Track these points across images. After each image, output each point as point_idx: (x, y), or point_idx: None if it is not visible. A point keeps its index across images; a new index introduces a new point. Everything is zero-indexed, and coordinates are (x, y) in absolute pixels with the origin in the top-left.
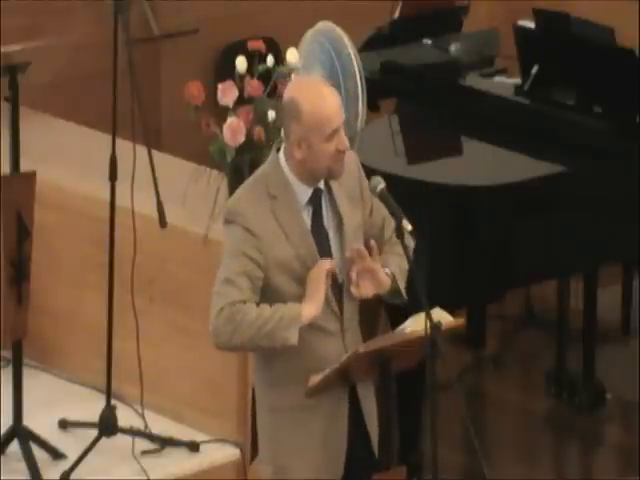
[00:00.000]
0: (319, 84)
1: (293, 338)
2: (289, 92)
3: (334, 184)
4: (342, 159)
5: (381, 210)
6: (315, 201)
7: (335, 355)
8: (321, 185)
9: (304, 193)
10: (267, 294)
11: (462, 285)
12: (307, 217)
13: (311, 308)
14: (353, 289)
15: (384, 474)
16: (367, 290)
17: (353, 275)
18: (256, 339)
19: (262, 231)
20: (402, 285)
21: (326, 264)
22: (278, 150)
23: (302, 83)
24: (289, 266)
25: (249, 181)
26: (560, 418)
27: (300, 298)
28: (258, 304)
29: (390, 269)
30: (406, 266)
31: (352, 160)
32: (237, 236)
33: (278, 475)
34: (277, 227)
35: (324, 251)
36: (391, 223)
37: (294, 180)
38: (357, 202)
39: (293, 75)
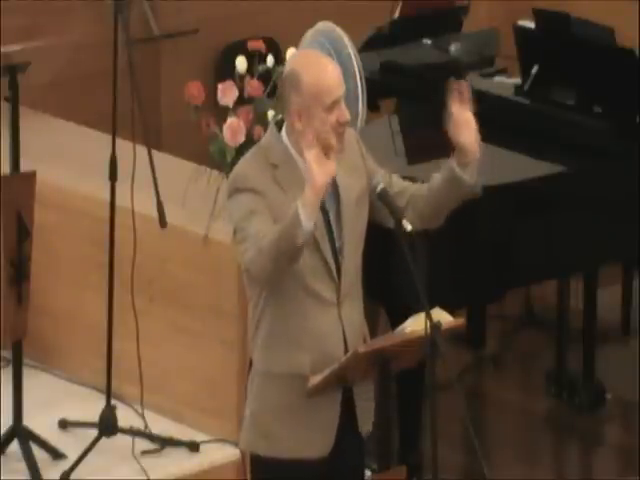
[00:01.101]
0: (319, 56)
1: (300, 239)
2: (289, 64)
3: (336, 164)
4: (343, 133)
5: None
6: None
7: (329, 325)
8: None
9: (305, 170)
10: None
11: (462, 285)
12: None
13: (305, 194)
14: (465, 134)
15: (384, 474)
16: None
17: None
18: (280, 256)
19: (265, 191)
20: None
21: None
22: (277, 126)
23: (302, 55)
24: None
25: (248, 154)
26: (560, 418)
27: (306, 259)
28: None
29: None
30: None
31: (351, 135)
32: (244, 200)
33: (263, 441)
34: (281, 192)
35: (325, 227)
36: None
37: (297, 157)
38: (360, 173)
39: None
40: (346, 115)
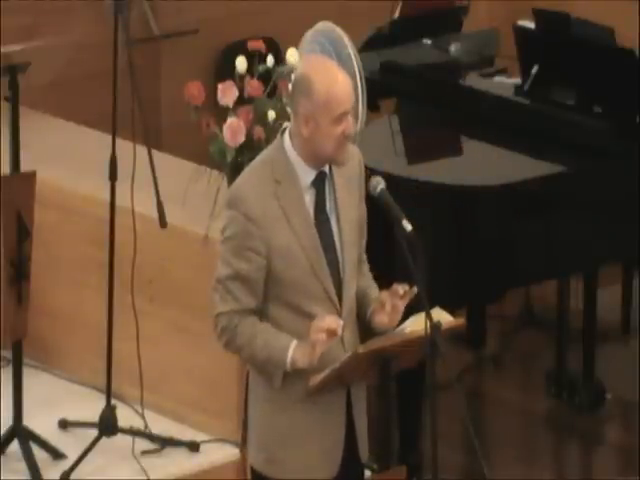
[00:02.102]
0: (332, 65)
1: (276, 382)
2: (302, 68)
3: (336, 174)
4: (347, 145)
5: (365, 230)
6: (318, 184)
7: (333, 351)
8: (325, 169)
9: (308, 175)
10: (268, 281)
11: (462, 285)
12: (310, 200)
13: (303, 359)
14: (384, 317)
15: (384, 474)
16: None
17: (388, 307)
18: (247, 361)
19: (264, 217)
20: None
21: (331, 322)
22: (282, 135)
23: (316, 61)
24: (290, 252)
25: (255, 164)
26: (560, 418)
27: (300, 286)
28: (256, 309)
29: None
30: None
31: (356, 156)
32: (238, 226)
33: (271, 464)
34: (280, 212)
35: (325, 236)
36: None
37: (298, 162)
38: (356, 198)
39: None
40: (351, 127)
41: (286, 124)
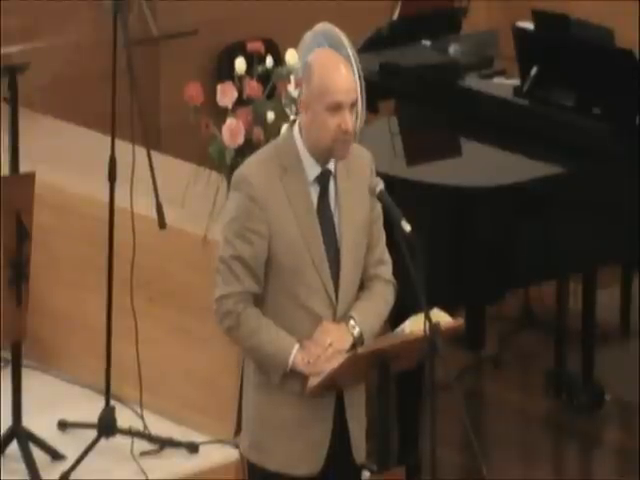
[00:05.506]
0: (338, 58)
1: (275, 379)
2: (309, 58)
3: (342, 176)
4: (346, 140)
5: (381, 233)
6: (322, 181)
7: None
8: (331, 167)
9: (313, 169)
10: (269, 265)
11: (461, 286)
12: (314, 194)
13: (304, 364)
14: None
15: (384, 474)
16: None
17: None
18: (246, 352)
19: (269, 201)
20: (374, 331)
21: (333, 331)
22: (294, 124)
23: (323, 52)
24: (292, 240)
25: (262, 150)
26: (559, 419)
27: (299, 275)
28: (257, 296)
29: (360, 328)
30: (382, 309)
31: (366, 159)
32: (241, 207)
33: (254, 450)
34: (285, 199)
35: (327, 232)
36: (384, 250)
37: (305, 154)
38: (365, 201)
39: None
40: (347, 123)
41: (293, 117)
